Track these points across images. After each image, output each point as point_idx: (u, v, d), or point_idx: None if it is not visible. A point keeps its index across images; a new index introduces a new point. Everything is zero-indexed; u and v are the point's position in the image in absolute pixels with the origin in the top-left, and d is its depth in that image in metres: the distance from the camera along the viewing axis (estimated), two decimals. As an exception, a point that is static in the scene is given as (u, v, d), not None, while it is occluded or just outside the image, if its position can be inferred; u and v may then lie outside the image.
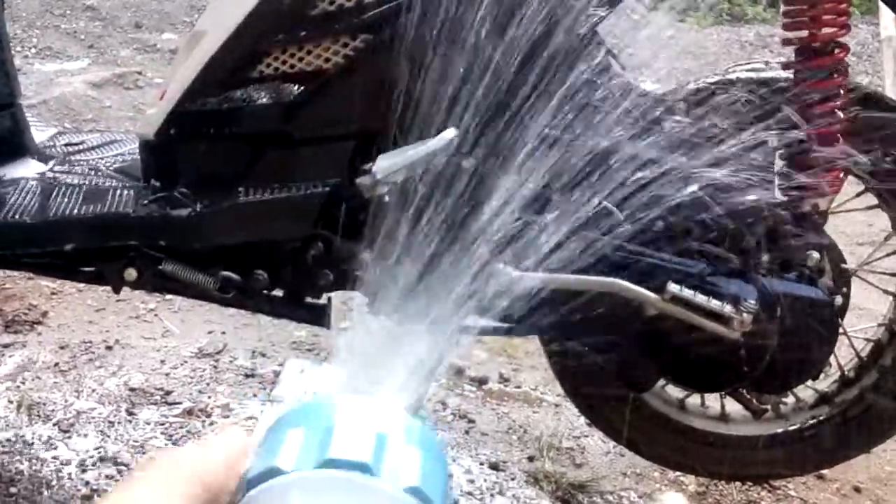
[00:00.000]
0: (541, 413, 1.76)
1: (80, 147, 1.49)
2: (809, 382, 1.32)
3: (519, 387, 1.85)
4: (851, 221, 2.11)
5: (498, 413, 1.75)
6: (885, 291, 1.36)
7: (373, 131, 1.12)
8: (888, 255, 1.33)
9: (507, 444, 1.65)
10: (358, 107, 1.11)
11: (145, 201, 1.22)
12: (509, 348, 1.98)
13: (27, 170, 1.37)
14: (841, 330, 1.27)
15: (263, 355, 1.85)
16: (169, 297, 1.99)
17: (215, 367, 1.80)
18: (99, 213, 1.22)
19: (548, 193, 1.10)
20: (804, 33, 1.09)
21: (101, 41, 3.26)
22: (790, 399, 1.39)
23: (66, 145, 1.50)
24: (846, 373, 1.38)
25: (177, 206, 1.19)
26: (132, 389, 1.69)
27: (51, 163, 1.40)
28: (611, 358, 1.26)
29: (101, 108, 2.80)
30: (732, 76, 1.20)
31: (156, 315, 1.97)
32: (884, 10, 2.85)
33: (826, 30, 1.08)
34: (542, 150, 1.01)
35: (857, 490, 1.59)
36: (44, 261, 1.29)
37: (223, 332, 1.93)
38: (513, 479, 1.56)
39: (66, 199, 1.27)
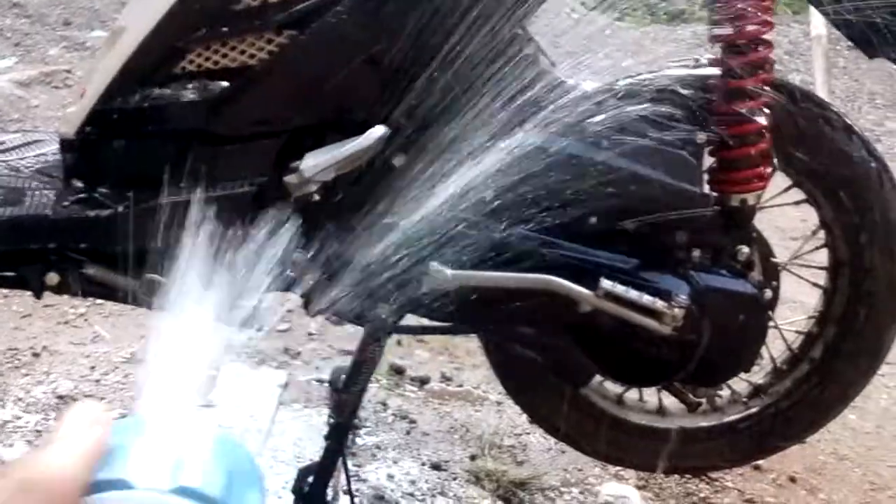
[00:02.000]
0: (483, 411, 1.75)
1: (0, 147, 1.43)
2: (743, 375, 1.34)
3: (461, 386, 1.84)
4: (785, 216, 2.15)
5: (440, 413, 1.74)
6: (815, 285, 1.38)
7: (300, 128, 1.10)
8: (817, 248, 1.35)
9: (448, 444, 1.64)
10: (284, 104, 1.08)
11: (65, 202, 1.18)
12: (451, 347, 1.97)
13: (-57, 171, 1.31)
14: (772, 323, 1.29)
15: (198, 360, 1.81)
16: (99, 301, 1.93)
17: (148, 372, 1.75)
18: (17, 214, 1.18)
19: (478, 192, 1.09)
20: (729, 30, 1.10)
21: (28, 39, 3.16)
22: (725, 392, 1.40)
23: (-16, 145, 1.44)
24: (779, 365, 1.41)
25: (98, 206, 1.15)
26: (60, 397, 1.64)
27: (-32, 164, 1.34)
28: (548, 354, 1.26)
29: (28, 108, 2.71)
30: (664, 72, 1.21)
31: (85, 320, 1.91)
32: (813, 9, 2.91)
33: (750, 27, 1.09)
34: (470, 145, 1.01)
35: (793, 480, 1.62)
36: (-40, 265, 1.24)
37: (156, 337, 1.88)
38: (454, 479, 1.55)
39: (-18, 201, 1.22)
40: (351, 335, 1.93)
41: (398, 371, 1.85)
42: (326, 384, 1.73)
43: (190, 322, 0.42)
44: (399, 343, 1.91)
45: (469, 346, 1.97)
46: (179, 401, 0.38)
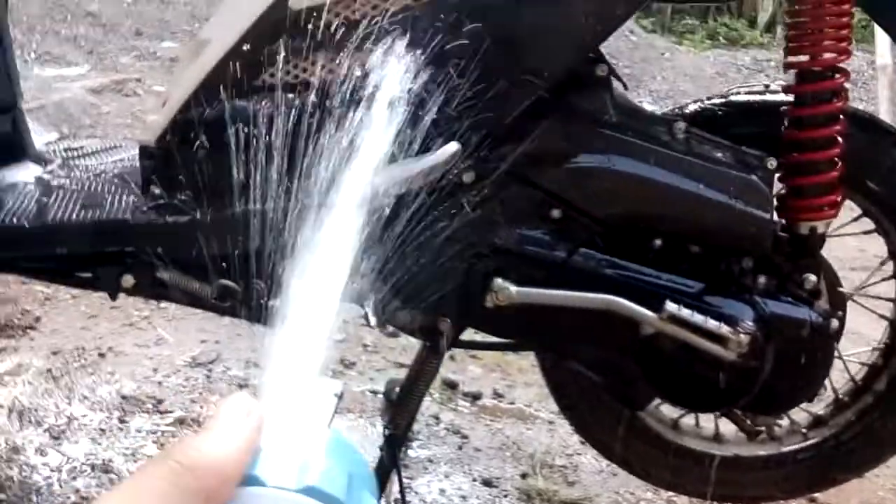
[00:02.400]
0: (534, 430, 1.76)
1: (80, 152, 1.49)
2: (804, 405, 1.32)
3: (513, 403, 1.85)
4: (844, 246, 2.12)
5: (491, 429, 1.75)
6: (881, 316, 1.36)
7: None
8: (884, 279, 1.34)
9: (500, 461, 1.65)
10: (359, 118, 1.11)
11: (144, 208, 1.22)
12: (503, 364, 1.98)
13: (26, 174, 1.37)
14: (836, 353, 1.27)
15: (257, 366, 1.84)
16: (163, 304, 1.99)
17: (208, 376, 1.79)
18: (97, 218, 1.22)
19: (543, 210, 1.10)
20: (805, 58, 1.10)
21: (100, 47, 3.27)
22: (784, 421, 1.39)
23: (65, 150, 1.50)
24: (841, 396, 1.39)
25: (175, 213, 1.19)
26: (124, 397, 1.69)
27: (50, 167, 1.40)
28: (606, 375, 1.26)
29: (99, 115, 2.80)
30: (734, 98, 1.21)
31: (149, 323, 1.96)
32: (879, 38, 2.87)
33: (827, 55, 1.09)
34: (537, 163, 1.02)
35: (849, 514, 1.59)
36: (40, 265, 1.28)
37: (217, 342, 1.92)
38: (505, 497, 1.56)
39: (64, 204, 1.26)
40: (405, 348, 1.95)
41: (451, 386, 1.86)
42: (381, 395, 1.75)
43: (299, 329, 0.43)
44: (452, 358, 1.93)
45: (521, 363, 1.98)
46: (301, 401, 0.40)
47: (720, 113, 1.19)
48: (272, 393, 0.41)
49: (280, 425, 0.38)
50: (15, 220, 1.23)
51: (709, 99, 1.22)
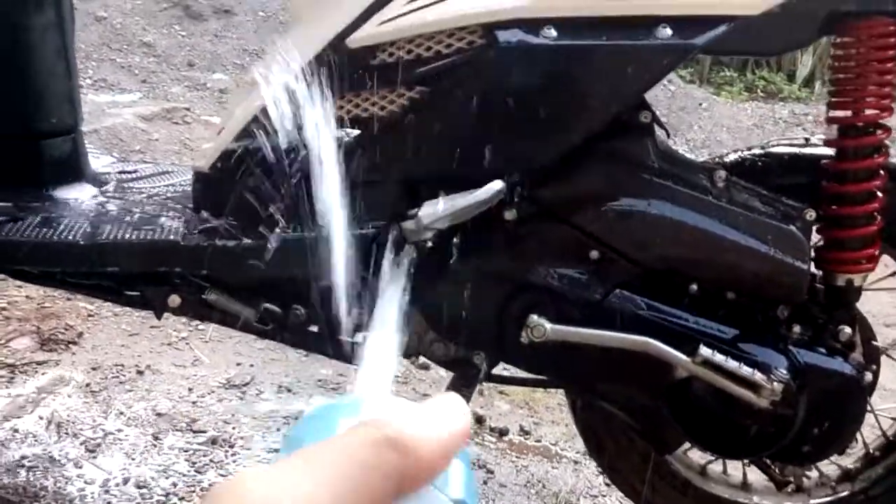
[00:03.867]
0: (560, 469, 1.76)
1: (134, 175, 1.54)
2: (834, 458, 1.32)
3: (539, 441, 1.86)
4: (878, 302, 2.11)
5: (517, 466, 1.75)
6: (915, 372, 1.36)
7: (419, 178, 1.16)
8: (919, 335, 1.33)
9: (524, 498, 1.65)
10: (408, 154, 1.15)
11: (194, 231, 1.26)
12: (531, 401, 1.99)
13: (82, 193, 1.43)
14: (868, 407, 1.27)
15: (289, 391, 1.87)
16: (201, 326, 2.03)
17: (242, 398, 1.82)
18: (149, 238, 1.26)
19: (584, 250, 1.13)
20: (848, 113, 1.12)
21: (153, 76, 3.37)
22: (814, 473, 1.38)
23: (120, 173, 1.55)
24: (871, 451, 1.38)
25: (224, 237, 1.23)
26: (159, 415, 1.72)
27: (105, 188, 1.45)
28: (637, 417, 1.27)
29: (148, 141, 2.89)
30: (774, 149, 1.23)
31: (187, 343, 2.00)
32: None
33: (869, 111, 1.11)
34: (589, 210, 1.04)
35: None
36: (90, 282, 1.33)
37: (251, 365, 1.96)
38: (529, 534, 1.56)
39: (117, 224, 1.31)
40: (434, 381, 1.97)
41: (478, 420, 1.87)
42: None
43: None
44: (480, 393, 1.94)
45: (549, 401, 1.99)
46: None
47: (760, 163, 1.21)
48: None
49: None
50: (70, 236, 1.28)
51: (749, 149, 1.24)
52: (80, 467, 1.54)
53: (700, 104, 4.11)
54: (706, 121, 3.79)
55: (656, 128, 1.13)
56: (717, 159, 1.25)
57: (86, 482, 1.51)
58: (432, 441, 0.30)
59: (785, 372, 1.11)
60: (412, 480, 0.29)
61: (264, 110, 1.20)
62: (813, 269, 1.17)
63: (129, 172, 1.56)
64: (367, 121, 1.15)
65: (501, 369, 1.29)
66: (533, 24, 1.05)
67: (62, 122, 1.43)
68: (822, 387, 1.15)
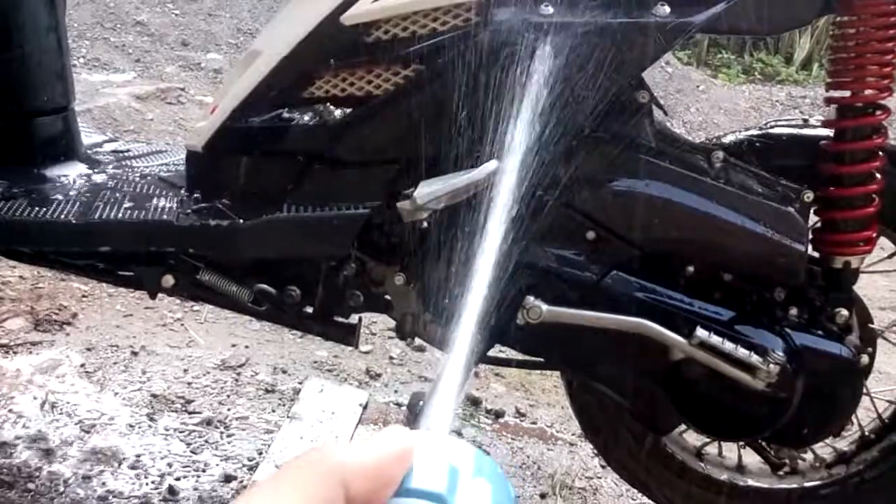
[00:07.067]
0: (555, 451, 1.76)
1: (127, 154, 1.53)
2: (829, 440, 1.32)
3: (535, 423, 1.86)
4: (874, 285, 2.11)
5: (512, 447, 1.76)
6: (911, 354, 1.35)
7: (415, 157, 1.15)
8: (916, 318, 1.33)
9: (520, 480, 1.65)
10: (403, 133, 1.13)
11: (188, 211, 1.24)
12: (527, 383, 1.99)
13: (75, 172, 1.41)
14: (864, 390, 1.27)
15: (284, 372, 1.87)
16: (196, 308, 2.02)
17: (237, 379, 1.82)
18: (142, 218, 1.25)
19: (580, 231, 1.12)
20: (847, 93, 1.11)
21: (147, 56, 3.34)
22: (808, 455, 1.38)
23: (113, 152, 1.54)
24: (866, 433, 1.38)
25: (218, 217, 1.22)
26: (154, 395, 1.72)
27: (98, 167, 1.44)
28: (633, 398, 1.26)
29: (142, 121, 2.86)
30: (772, 130, 1.22)
31: (182, 324, 1.99)
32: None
33: (869, 91, 1.10)
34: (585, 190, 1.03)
35: (871, 554, 1.57)
36: (83, 262, 1.31)
37: (246, 346, 1.95)
38: (524, 515, 1.56)
39: (110, 203, 1.29)
40: (430, 362, 1.97)
41: (474, 402, 1.87)
42: (405, 408, 1.77)
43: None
44: (476, 375, 1.94)
45: (545, 383, 1.99)
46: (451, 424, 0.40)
47: (758, 144, 1.20)
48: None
49: (447, 448, 0.37)
50: (62, 216, 1.26)
51: (747, 130, 1.23)
52: (75, 447, 1.54)
53: (697, 86, 4.09)
54: (703, 103, 3.78)
55: (654, 108, 1.12)
56: (714, 140, 1.24)
57: (80, 461, 1.51)
58: (373, 458, 0.34)
59: (781, 354, 1.11)
60: (361, 495, 0.33)
61: (258, 88, 1.19)
62: (810, 250, 1.16)
63: (122, 152, 1.54)
64: (362, 99, 1.14)
65: (497, 351, 1.28)
66: (529, 1, 1.03)
67: (54, 101, 1.41)
68: (818, 369, 1.15)
